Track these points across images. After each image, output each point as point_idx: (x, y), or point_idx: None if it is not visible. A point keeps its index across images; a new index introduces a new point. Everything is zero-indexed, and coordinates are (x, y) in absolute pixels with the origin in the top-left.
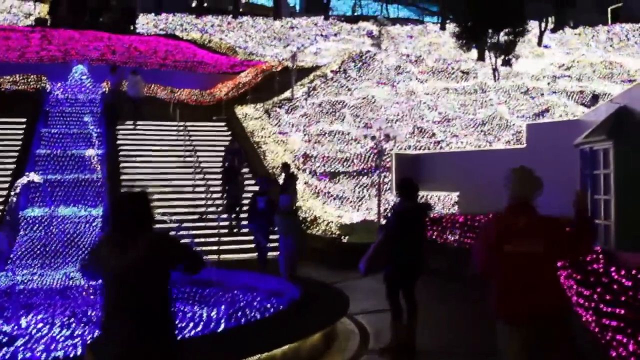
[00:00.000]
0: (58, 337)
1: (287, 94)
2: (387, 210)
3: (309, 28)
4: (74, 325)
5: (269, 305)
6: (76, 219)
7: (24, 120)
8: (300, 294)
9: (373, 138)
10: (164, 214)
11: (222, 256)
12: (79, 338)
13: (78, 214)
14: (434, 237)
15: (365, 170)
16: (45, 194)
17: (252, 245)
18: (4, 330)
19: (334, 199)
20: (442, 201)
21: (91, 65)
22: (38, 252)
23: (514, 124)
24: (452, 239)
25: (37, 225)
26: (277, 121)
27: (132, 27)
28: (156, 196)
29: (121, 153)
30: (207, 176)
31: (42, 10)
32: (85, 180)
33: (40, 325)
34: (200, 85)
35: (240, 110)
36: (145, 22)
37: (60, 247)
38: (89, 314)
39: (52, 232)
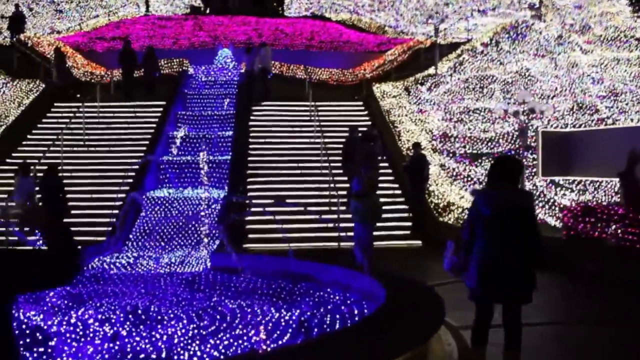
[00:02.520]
0: (99, 337)
1: (431, 70)
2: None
3: (465, 4)
4: (127, 324)
5: (354, 311)
6: (197, 201)
7: (163, 103)
8: (385, 298)
9: (515, 114)
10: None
11: (343, 244)
12: (120, 341)
13: (200, 195)
14: (583, 232)
15: (513, 152)
16: (172, 175)
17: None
18: (48, 324)
19: (474, 183)
20: (602, 189)
21: (236, 49)
22: (155, 233)
23: None
24: (610, 234)
25: (158, 206)
26: (417, 99)
27: (280, 10)
28: (284, 179)
29: (251, 134)
30: (332, 158)
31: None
32: (213, 162)
33: (91, 320)
34: (344, 65)
35: (378, 88)
36: (297, 7)
37: (176, 230)
38: (151, 310)
39: (172, 213)
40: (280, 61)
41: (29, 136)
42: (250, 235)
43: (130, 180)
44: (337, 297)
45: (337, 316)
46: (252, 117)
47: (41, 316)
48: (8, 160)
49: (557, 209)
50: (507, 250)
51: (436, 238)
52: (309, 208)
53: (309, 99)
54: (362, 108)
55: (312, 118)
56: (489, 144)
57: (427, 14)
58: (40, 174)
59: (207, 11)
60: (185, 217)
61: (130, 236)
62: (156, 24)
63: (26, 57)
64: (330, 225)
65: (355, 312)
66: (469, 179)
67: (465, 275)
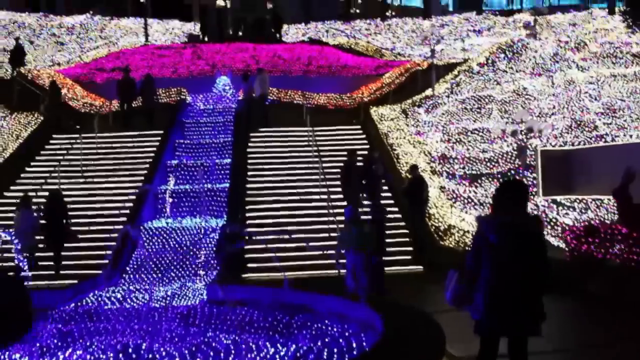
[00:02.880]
0: None
1: (428, 91)
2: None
3: (460, 25)
4: None
5: (352, 344)
6: (195, 231)
7: (161, 132)
8: (383, 330)
9: (513, 133)
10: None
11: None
12: None
13: (198, 225)
14: (587, 253)
15: (513, 172)
16: (170, 205)
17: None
18: None
19: (474, 205)
20: (604, 206)
21: (234, 76)
22: (152, 265)
23: None
24: (615, 254)
25: (156, 237)
26: (415, 121)
27: (278, 36)
28: (283, 205)
29: (250, 161)
30: (330, 183)
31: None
32: (211, 191)
33: None
34: (342, 89)
35: (376, 112)
36: (295, 32)
37: (174, 261)
38: (142, 347)
39: (170, 244)
40: (279, 87)
41: (27, 169)
42: (250, 265)
43: (128, 211)
44: (334, 329)
45: (335, 350)
46: (250, 144)
47: (26, 358)
48: (6, 194)
49: (559, 228)
50: (516, 279)
51: (438, 262)
52: (308, 235)
53: (307, 124)
54: (360, 132)
55: (310, 143)
56: (489, 164)
57: (422, 35)
58: (38, 205)
59: (205, 39)
60: (183, 248)
61: (127, 268)
62: (155, 53)
63: (26, 90)
64: (324, 252)
65: (354, 344)
66: (469, 200)
67: (470, 306)
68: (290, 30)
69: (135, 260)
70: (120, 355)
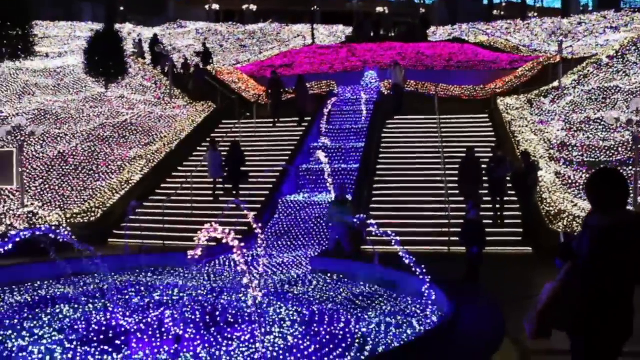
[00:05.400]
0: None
1: (555, 83)
2: (578, 229)
3: (597, 22)
4: (201, 324)
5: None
6: (323, 205)
7: (309, 118)
8: (446, 316)
9: (628, 122)
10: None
11: (452, 248)
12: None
13: (327, 199)
14: None
15: (631, 160)
16: (307, 182)
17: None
18: (125, 322)
19: None
20: None
21: (381, 70)
22: (282, 233)
23: None
24: None
25: (291, 209)
26: (539, 110)
27: (425, 36)
28: (405, 185)
29: (382, 145)
30: (449, 167)
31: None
32: (344, 170)
33: (168, 319)
34: (478, 82)
35: (502, 102)
36: (442, 32)
37: (301, 231)
38: (228, 311)
39: (301, 216)
40: (421, 80)
41: (198, 148)
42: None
43: (271, 186)
44: (414, 309)
45: (403, 329)
46: (384, 130)
47: (122, 314)
48: (180, 168)
49: None
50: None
51: (547, 245)
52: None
53: (437, 112)
54: (487, 120)
55: (438, 131)
56: (608, 152)
57: (550, 30)
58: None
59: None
60: (311, 220)
61: (262, 236)
62: (316, 52)
63: (208, 84)
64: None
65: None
66: (584, 186)
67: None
68: (438, 31)
69: (271, 228)
70: (207, 316)
